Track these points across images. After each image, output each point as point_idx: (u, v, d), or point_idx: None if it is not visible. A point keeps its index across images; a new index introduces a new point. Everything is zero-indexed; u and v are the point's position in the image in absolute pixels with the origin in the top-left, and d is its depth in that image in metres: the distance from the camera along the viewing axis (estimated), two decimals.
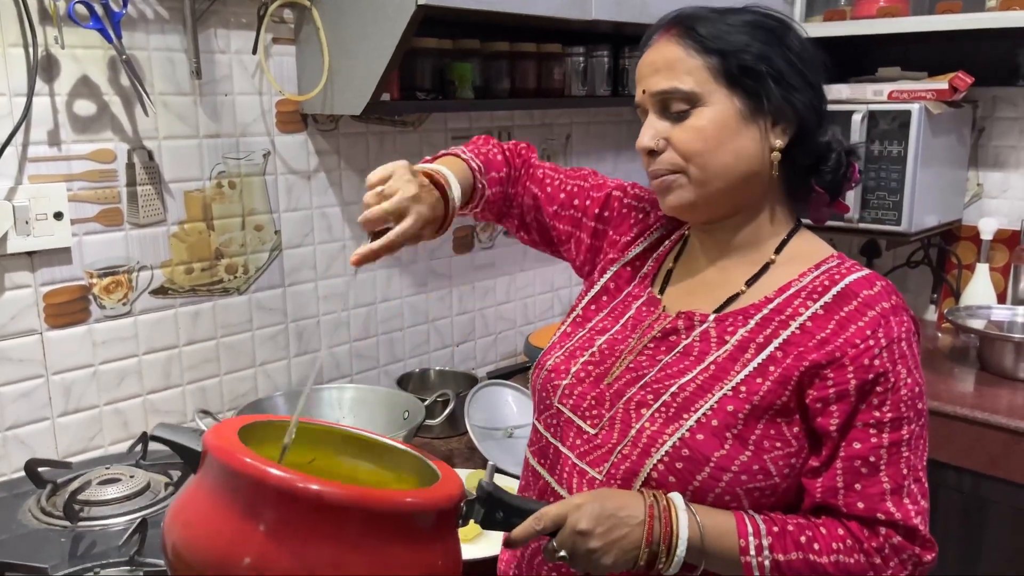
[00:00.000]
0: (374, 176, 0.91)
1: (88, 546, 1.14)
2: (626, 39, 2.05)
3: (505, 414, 1.69)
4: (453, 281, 1.99)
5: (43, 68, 1.30)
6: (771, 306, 0.91)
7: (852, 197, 2.00)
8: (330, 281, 1.74)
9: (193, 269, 1.53)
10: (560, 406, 0.99)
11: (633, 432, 0.90)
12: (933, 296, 2.36)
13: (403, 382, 1.82)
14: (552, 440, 0.99)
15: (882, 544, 0.85)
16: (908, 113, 1.94)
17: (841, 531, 0.86)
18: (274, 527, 0.69)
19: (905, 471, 0.86)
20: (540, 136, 2.12)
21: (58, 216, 1.34)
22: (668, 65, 0.90)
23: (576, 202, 1.13)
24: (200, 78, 1.47)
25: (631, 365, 0.96)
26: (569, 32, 1.94)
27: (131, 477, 1.27)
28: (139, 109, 1.41)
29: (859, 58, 2.30)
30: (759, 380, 0.87)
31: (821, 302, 0.89)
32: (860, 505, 0.85)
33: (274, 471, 0.70)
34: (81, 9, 1.29)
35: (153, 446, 1.40)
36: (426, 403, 1.62)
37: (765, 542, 0.85)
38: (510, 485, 1.39)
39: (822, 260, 0.94)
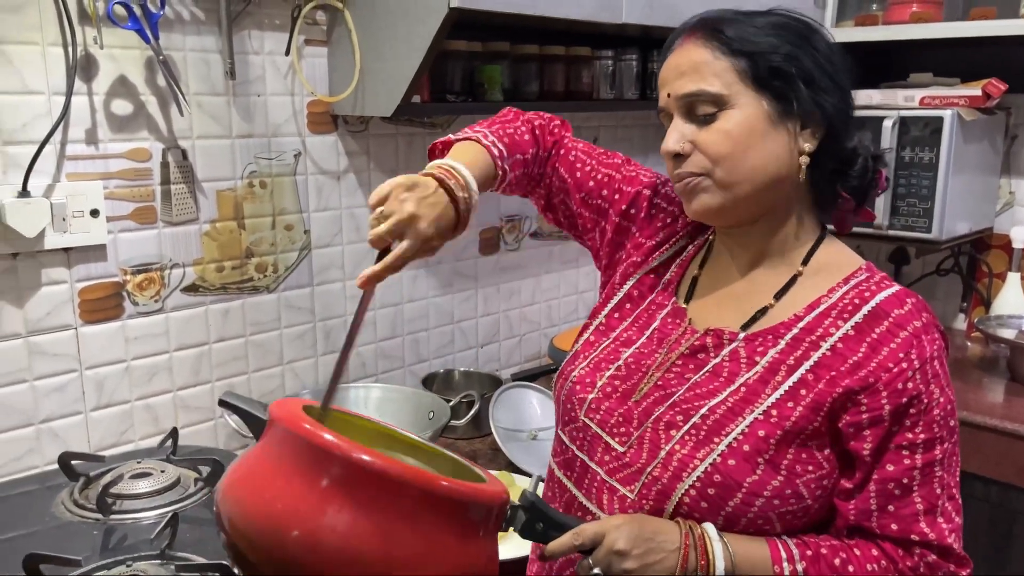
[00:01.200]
0: (372, 197, 0.90)
1: (120, 539, 1.16)
2: (655, 43, 2.04)
3: (529, 416, 1.70)
4: (478, 282, 2.00)
5: (82, 68, 1.33)
6: (801, 325, 0.90)
7: (882, 204, 1.99)
8: None
9: (224, 267, 1.55)
10: (587, 420, 0.98)
11: (663, 454, 0.89)
12: (963, 304, 2.34)
13: (428, 382, 1.82)
14: (579, 453, 0.98)
15: (917, 564, 0.85)
16: (940, 119, 1.92)
17: (875, 552, 0.86)
18: (333, 493, 0.71)
19: (939, 490, 0.85)
20: None
21: (94, 213, 1.36)
22: (694, 68, 0.89)
23: (604, 192, 1.10)
24: (234, 79, 1.49)
25: (659, 382, 0.95)
26: (598, 35, 1.94)
27: (162, 472, 1.29)
28: (174, 109, 1.42)
29: (890, 63, 2.29)
30: (790, 404, 0.86)
31: (852, 322, 0.88)
32: (894, 527, 0.85)
33: (340, 441, 0.72)
34: (120, 10, 1.31)
35: (183, 441, 1.42)
36: (451, 404, 1.62)
37: (799, 567, 0.85)
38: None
39: (851, 273, 0.93)
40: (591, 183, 1.11)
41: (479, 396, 1.67)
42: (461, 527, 0.75)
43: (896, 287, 0.91)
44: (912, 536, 0.84)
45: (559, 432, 1.04)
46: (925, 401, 0.84)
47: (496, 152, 1.02)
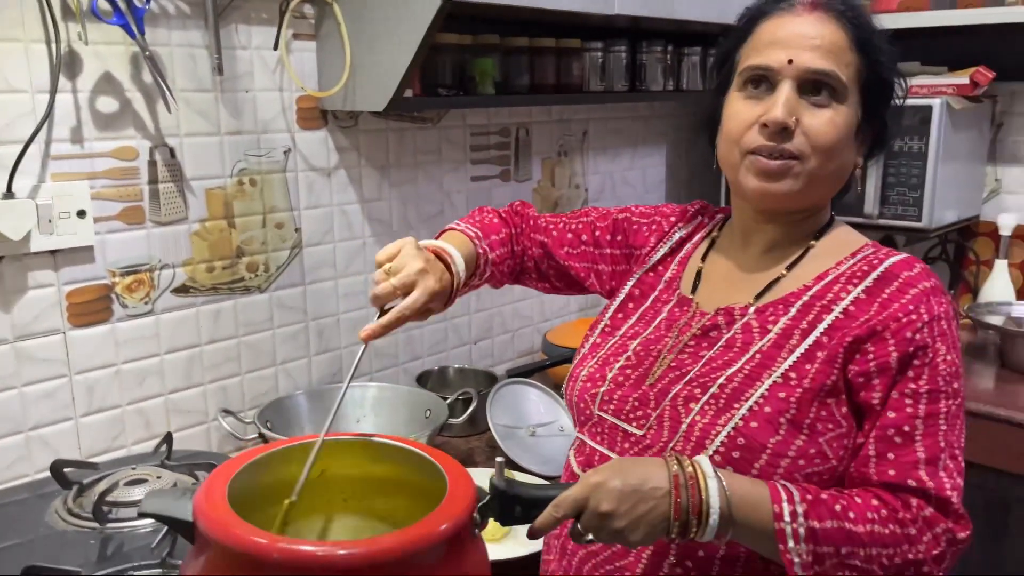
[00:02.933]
0: (382, 254, 0.94)
1: (117, 547, 1.13)
2: (644, 34, 2.04)
3: (527, 412, 1.68)
4: None
5: (66, 64, 1.29)
6: (811, 293, 0.92)
7: (872, 193, 1.99)
8: (350, 279, 1.73)
9: (214, 267, 1.52)
10: (601, 413, 0.98)
11: (684, 427, 0.89)
12: (951, 292, 2.35)
13: (422, 380, 1.81)
14: (598, 447, 0.98)
15: (915, 515, 0.83)
16: (929, 108, 1.92)
17: (875, 501, 0.84)
18: None
19: (942, 444, 0.84)
20: (558, 132, 2.10)
21: (81, 214, 1.33)
22: (831, 47, 0.87)
23: (584, 237, 1.15)
24: (221, 74, 1.45)
25: (673, 364, 0.95)
26: (588, 27, 1.93)
27: (158, 478, 1.26)
28: (161, 106, 1.39)
29: None
30: (807, 366, 0.87)
31: (862, 286, 0.89)
32: (891, 472, 0.84)
33: (265, 542, 0.68)
34: (104, 5, 1.27)
35: (178, 445, 1.39)
36: (448, 401, 1.61)
37: (799, 508, 0.82)
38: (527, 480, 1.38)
39: (858, 249, 0.95)
40: (569, 235, 1.16)
41: (476, 393, 1.66)
42: (425, 568, 0.72)
43: (904, 254, 0.92)
44: (909, 482, 0.83)
45: (578, 435, 1.03)
46: (930, 355, 0.85)
47: (471, 234, 1.10)
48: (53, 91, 1.27)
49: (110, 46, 1.33)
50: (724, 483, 0.82)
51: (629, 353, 0.99)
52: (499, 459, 0.83)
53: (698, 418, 0.88)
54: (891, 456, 0.84)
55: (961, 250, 2.33)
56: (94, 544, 1.13)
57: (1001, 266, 2.15)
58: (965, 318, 2.13)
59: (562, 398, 1.67)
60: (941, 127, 1.92)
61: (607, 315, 1.08)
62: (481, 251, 1.09)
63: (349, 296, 1.73)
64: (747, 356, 0.90)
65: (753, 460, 0.85)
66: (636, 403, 0.95)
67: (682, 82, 2.12)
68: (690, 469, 0.82)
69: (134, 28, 1.30)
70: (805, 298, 0.91)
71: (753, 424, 0.86)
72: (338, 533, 0.89)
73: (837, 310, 0.89)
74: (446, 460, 0.83)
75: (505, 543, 1.29)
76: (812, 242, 0.96)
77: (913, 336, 0.85)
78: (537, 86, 1.86)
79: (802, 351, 0.88)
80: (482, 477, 0.83)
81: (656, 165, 2.40)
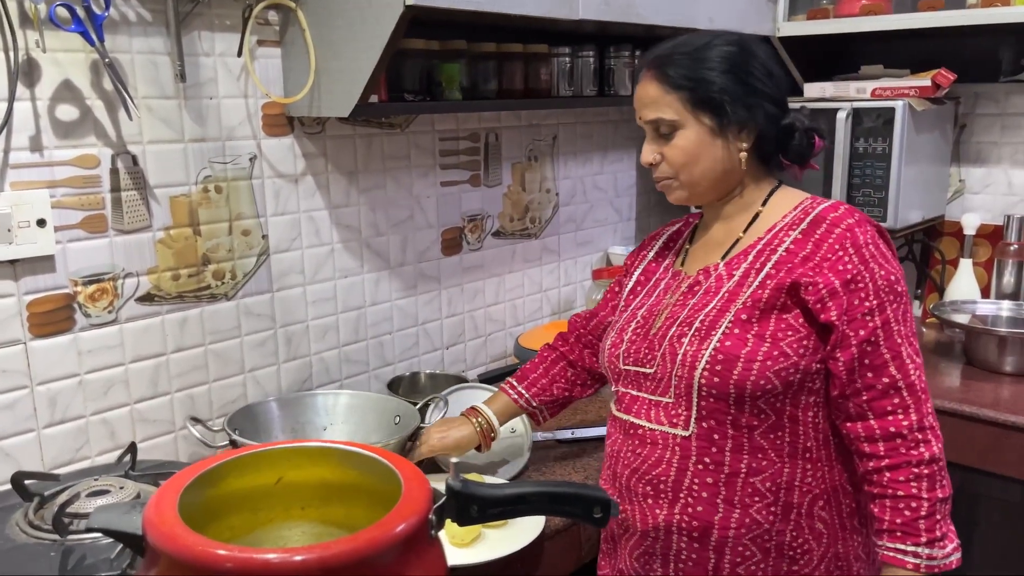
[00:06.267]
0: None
1: (78, 560, 1.11)
2: (612, 39, 2.05)
3: None
4: (442, 283, 1.98)
5: (24, 72, 1.28)
6: (763, 242, 1.16)
7: (838, 193, 2.02)
8: (318, 285, 1.72)
9: (180, 275, 1.51)
10: (625, 367, 1.22)
11: (680, 357, 1.13)
12: (917, 291, 2.38)
13: (393, 386, 1.80)
14: (628, 391, 1.22)
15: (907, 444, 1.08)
16: (892, 110, 1.95)
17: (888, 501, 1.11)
18: None
19: (899, 340, 1.08)
20: (527, 137, 2.11)
21: (41, 223, 1.31)
22: (652, 100, 1.16)
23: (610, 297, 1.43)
24: (184, 81, 1.45)
25: (668, 316, 1.19)
26: (555, 32, 1.94)
27: (121, 488, 1.24)
28: (123, 113, 1.38)
29: (842, 56, 2.32)
30: (760, 291, 1.11)
31: (799, 229, 1.14)
32: (870, 375, 1.07)
33: (221, 551, 0.67)
34: (62, 12, 1.26)
35: (143, 455, 1.38)
36: (418, 407, 1.60)
37: None
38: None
39: (799, 203, 1.19)
40: (601, 313, 1.43)
41: (446, 399, 1.65)
42: (390, 565, 0.72)
43: (832, 200, 1.17)
44: (883, 379, 1.06)
45: (616, 389, 1.26)
46: (867, 276, 1.07)
47: (508, 387, 1.48)
48: (11, 99, 1.25)
49: (69, 53, 1.32)
50: None
51: (638, 318, 1.24)
52: (453, 459, 0.83)
53: (689, 348, 1.12)
54: (867, 362, 1.07)
55: (927, 250, 2.36)
56: (55, 556, 1.11)
57: (966, 265, 2.19)
58: (931, 317, 2.16)
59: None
60: (904, 129, 1.95)
61: (622, 300, 1.33)
62: (519, 397, 1.45)
63: (318, 303, 1.73)
64: (719, 296, 1.14)
65: (732, 368, 1.08)
66: (646, 350, 1.19)
67: None
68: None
69: (93, 35, 1.29)
70: (759, 246, 1.16)
71: (728, 343, 1.09)
72: (297, 541, 0.88)
73: (780, 249, 1.13)
74: (402, 463, 0.82)
75: (475, 547, 1.29)
76: (760, 208, 1.20)
77: (846, 267, 1.07)
78: (505, 91, 1.87)
79: (757, 283, 1.12)
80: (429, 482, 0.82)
81: (626, 170, 2.41)
